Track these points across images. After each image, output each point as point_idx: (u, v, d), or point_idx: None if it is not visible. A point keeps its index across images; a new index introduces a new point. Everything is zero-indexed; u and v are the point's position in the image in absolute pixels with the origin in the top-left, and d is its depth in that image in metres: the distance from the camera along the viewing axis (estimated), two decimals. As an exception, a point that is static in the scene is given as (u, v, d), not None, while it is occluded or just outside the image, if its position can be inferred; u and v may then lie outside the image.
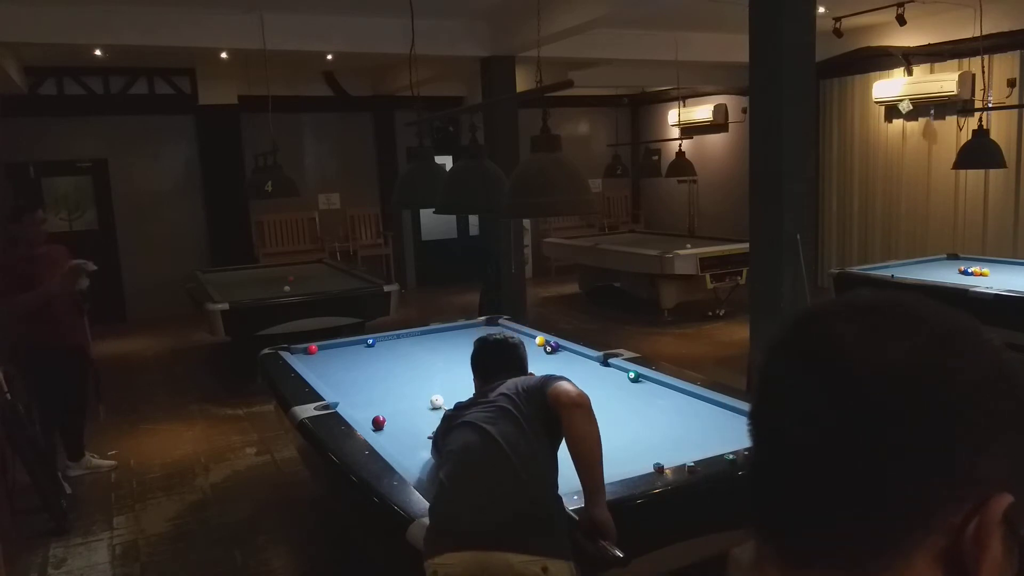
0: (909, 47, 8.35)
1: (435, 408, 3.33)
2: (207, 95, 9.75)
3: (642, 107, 12.97)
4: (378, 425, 3.14)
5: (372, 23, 7.18)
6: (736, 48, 5.32)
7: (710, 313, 8.61)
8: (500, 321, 4.99)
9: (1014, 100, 7.47)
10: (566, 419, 2.18)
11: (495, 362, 2.70)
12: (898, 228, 8.96)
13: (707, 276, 8.16)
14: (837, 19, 7.91)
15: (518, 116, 7.73)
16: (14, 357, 4.69)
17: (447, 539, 2.04)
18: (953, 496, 0.51)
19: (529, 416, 2.27)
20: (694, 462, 2.52)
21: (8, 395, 4.03)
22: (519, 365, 2.70)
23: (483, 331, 4.72)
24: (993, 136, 6.04)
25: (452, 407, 2.57)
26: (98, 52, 7.55)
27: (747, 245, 4.63)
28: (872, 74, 8.87)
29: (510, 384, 2.44)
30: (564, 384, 2.29)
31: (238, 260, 9.45)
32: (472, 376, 2.75)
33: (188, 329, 8.53)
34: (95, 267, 4.49)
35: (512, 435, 2.21)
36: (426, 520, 2.18)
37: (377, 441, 2.92)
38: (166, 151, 10.08)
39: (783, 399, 0.58)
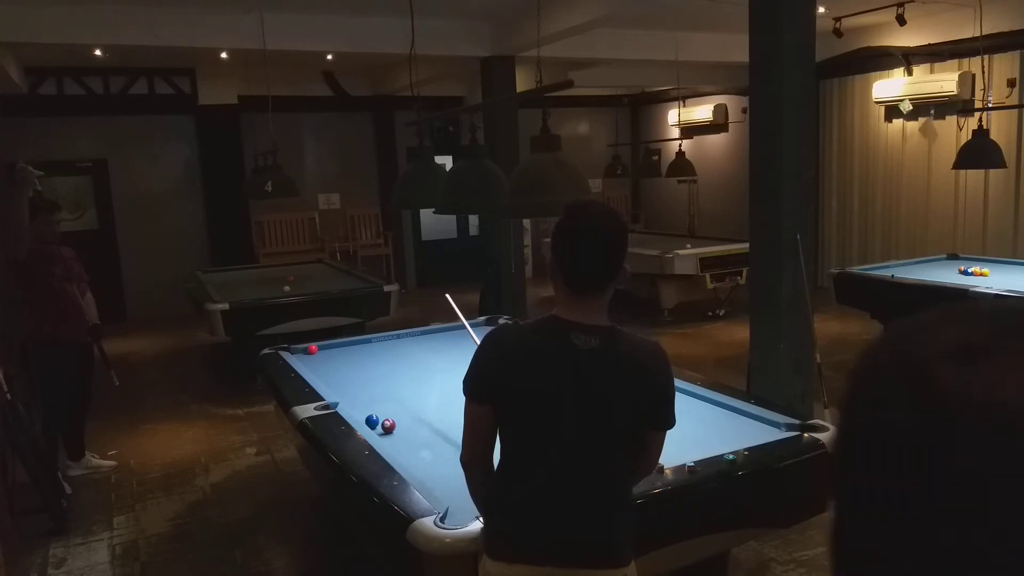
0: (909, 47, 8.36)
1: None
2: (207, 95, 9.75)
3: (642, 107, 12.97)
4: (387, 430, 3.09)
5: (372, 23, 7.19)
6: (736, 48, 5.32)
7: (710, 313, 8.60)
8: (500, 321, 4.99)
9: (1014, 100, 7.48)
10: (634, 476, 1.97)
11: (607, 264, 1.84)
12: (898, 228, 8.96)
13: (707, 276, 8.16)
14: (837, 19, 7.91)
15: (518, 116, 7.73)
16: (22, 357, 4.72)
17: (522, 550, 1.85)
18: None
19: (635, 435, 1.88)
20: (694, 462, 2.52)
21: (8, 395, 4.03)
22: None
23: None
24: (993, 136, 6.04)
25: (509, 325, 2.10)
26: (98, 52, 7.55)
27: (747, 245, 4.63)
28: (872, 74, 8.88)
29: (631, 375, 1.82)
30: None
31: (238, 260, 9.45)
32: (558, 262, 1.86)
33: (188, 329, 8.53)
34: (40, 172, 4.45)
35: (618, 454, 1.87)
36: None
37: (377, 441, 2.92)
38: (166, 151, 10.08)
39: None
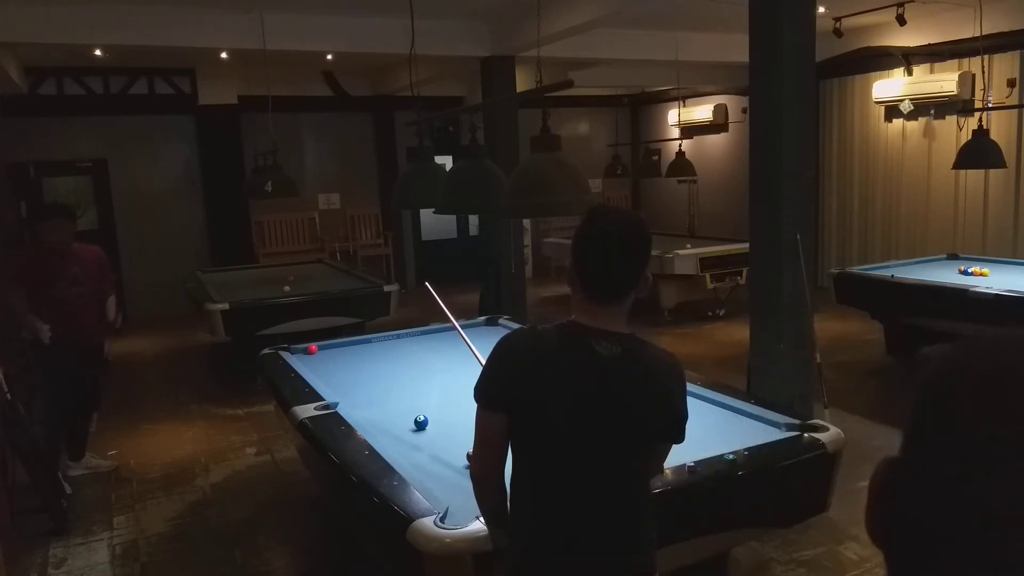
0: (909, 47, 8.36)
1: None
2: (207, 95, 9.75)
3: (642, 107, 12.97)
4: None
5: (372, 23, 7.19)
6: (736, 48, 5.32)
7: (710, 313, 8.60)
8: (500, 321, 4.99)
9: (1014, 100, 7.48)
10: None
11: (630, 270, 1.76)
12: (898, 228, 8.96)
13: (707, 276, 8.16)
14: (837, 19, 7.91)
15: (518, 116, 7.73)
16: (31, 354, 4.74)
17: (548, 567, 1.79)
18: None
19: (650, 443, 1.85)
20: (694, 462, 2.51)
21: (8, 395, 4.04)
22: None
23: (497, 331, 4.71)
24: (993, 136, 6.05)
25: (525, 329, 1.87)
26: (98, 52, 7.55)
27: (747, 245, 4.63)
28: (872, 74, 8.88)
29: (650, 387, 1.76)
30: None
31: (238, 260, 9.45)
32: (580, 265, 1.77)
33: (188, 329, 8.53)
34: (47, 337, 4.47)
35: (638, 462, 1.83)
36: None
37: (377, 441, 2.91)
38: (166, 151, 10.08)
39: None
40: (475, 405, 1.80)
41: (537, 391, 1.73)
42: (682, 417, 1.82)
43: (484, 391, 1.78)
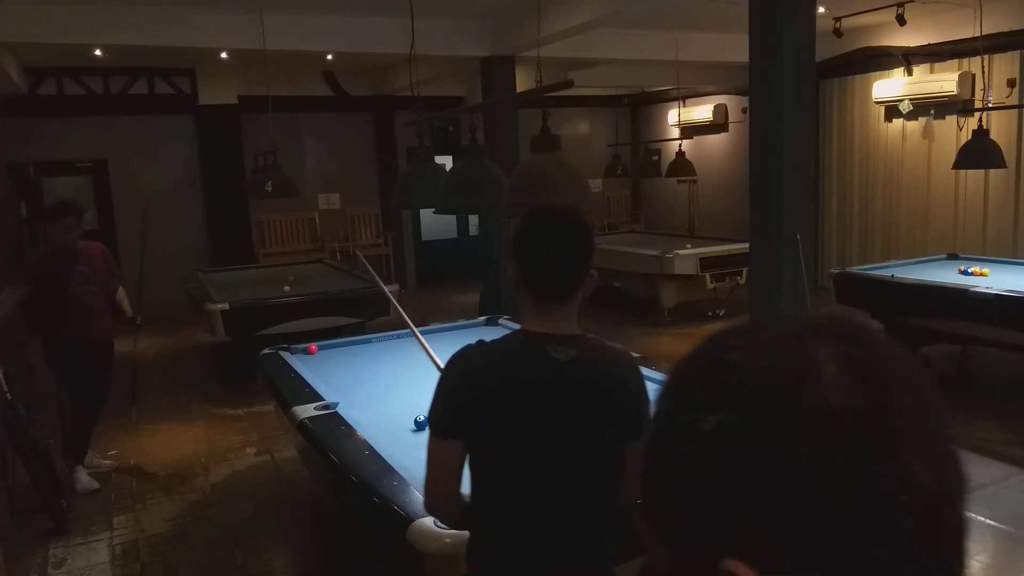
0: (909, 47, 8.36)
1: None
2: (207, 95, 9.75)
3: (642, 107, 12.98)
4: None
5: (372, 23, 7.19)
6: (736, 48, 5.32)
7: (710, 313, 8.60)
8: (500, 321, 4.99)
9: (1014, 100, 7.48)
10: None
11: (576, 267, 1.73)
12: (898, 228, 8.96)
13: (707, 276, 8.16)
14: (837, 19, 7.91)
15: (518, 116, 7.73)
16: (45, 354, 4.75)
17: None
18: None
19: (618, 447, 1.74)
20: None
21: (8, 395, 4.04)
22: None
23: (485, 332, 4.71)
24: (993, 136, 6.04)
25: (475, 347, 1.75)
26: (98, 52, 7.56)
27: (747, 245, 4.63)
28: (872, 74, 8.88)
29: (612, 385, 1.72)
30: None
31: (238, 260, 9.45)
32: (520, 268, 1.74)
33: (188, 329, 8.53)
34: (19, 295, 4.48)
35: (607, 469, 1.74)
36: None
37: (377, 441, 2.91)
38: (166, 151, 10.08)
39: None
40: None
41: (500, 408, 1.68)
42: (647, 406, 1.71)
43: (440, 418, 1.71)
